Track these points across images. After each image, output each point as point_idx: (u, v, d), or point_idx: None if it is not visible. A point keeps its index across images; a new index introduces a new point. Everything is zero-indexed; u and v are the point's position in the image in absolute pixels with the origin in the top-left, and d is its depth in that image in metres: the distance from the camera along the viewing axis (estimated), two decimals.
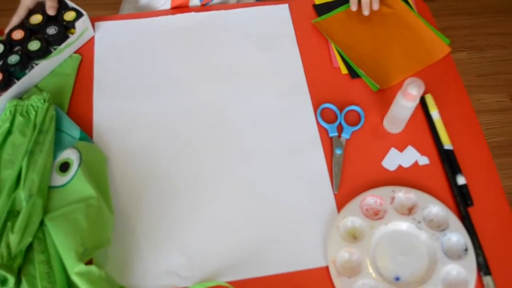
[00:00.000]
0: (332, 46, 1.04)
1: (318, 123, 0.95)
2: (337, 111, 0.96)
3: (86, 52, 1.03)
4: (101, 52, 1.04)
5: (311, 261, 0.82)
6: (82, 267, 0.72)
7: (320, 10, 1.10)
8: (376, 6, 1.05)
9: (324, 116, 0.96)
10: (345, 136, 0.93)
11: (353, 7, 1.07)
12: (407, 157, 0.91)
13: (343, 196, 0.87)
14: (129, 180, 0.89)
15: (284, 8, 1.10)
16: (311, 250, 0.82)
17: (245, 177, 0.89)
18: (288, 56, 1.04)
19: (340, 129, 0.94)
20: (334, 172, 0.89)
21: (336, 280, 0.78)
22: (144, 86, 0.99)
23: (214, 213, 0.86)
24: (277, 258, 0.82)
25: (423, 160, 0.91)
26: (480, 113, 1.95)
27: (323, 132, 0.94)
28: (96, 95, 0.98)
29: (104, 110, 0.96)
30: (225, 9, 1.11)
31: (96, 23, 1.07)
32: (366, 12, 1.06)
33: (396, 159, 0.91)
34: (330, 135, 0.93)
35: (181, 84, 1.00)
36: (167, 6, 1.13)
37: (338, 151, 0.91)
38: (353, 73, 1.00)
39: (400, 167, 0.90)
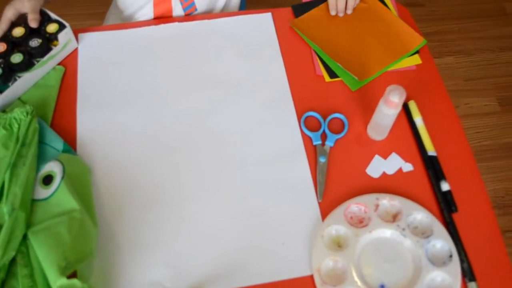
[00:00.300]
0: (315, 55, 1.04)
1: (302, 131, 0.95)
2: (321, 119, 0.96)
3: (69, 64, 1.03)
4: (85, 63, 1.03)
5: (296, 270, 0.81)
6: (64, 280, 0.71)
7: (298, 11, 1.12)
8: (350, 12, 1.10)
9: (308, 125, 0.96)
10: (329, 144, 0.93)
11: (332, 12, 1.10)
12: (391, 164, 0.91)
13: (328, 204, 0.87)
14: (114, 191, 0.89)
15: (267, 17, 1.11)
16: (296, 259, 0.82)
17: (229, 187, 0.89)
18: (271, 64, 1.04)
19: (324, 137, 0.94)
20: (318, 180, 0.89)
21: None
22: (128, 96, 0.99)
23: (199, 223, 0.86)
24: (262, 267, 0.82)
25: (407, 167, 0.91)
26: (468, 117, 1.96)
27: (307, 140, 0.94)
28: (79, 106, 0.98)
29: (88, 121, 0.96)
30: (208, 18, 1.11)
31: (80, 35, 1.07)
32: (340, 14, 1.10)
33: (380, 166, 0.91)
34: (314, 143, 0.93)
35: (166, 94, 1.00)
36: (150, 15, 1.13)
37: (322, 159, 0.91)
38: (331, 73, 1.02)
39: (384, 174, 0.90)
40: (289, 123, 0.96)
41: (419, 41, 1.07)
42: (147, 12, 1.14)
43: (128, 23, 1.11)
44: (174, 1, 1.12)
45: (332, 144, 0.93)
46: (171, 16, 1.13)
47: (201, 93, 1.00)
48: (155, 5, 1.12)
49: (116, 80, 1.01)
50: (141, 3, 1.13)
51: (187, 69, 1.03)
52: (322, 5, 1.12)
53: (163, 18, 1.12)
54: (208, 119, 0.97)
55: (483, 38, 2.19)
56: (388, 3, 1.13)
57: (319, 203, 0.87)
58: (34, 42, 0.97)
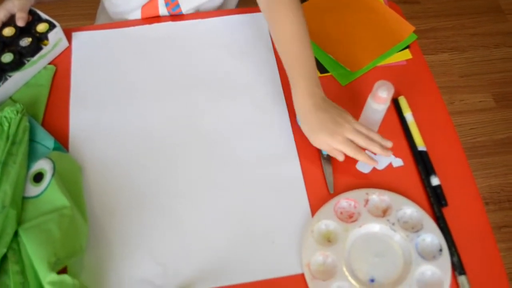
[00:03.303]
0: None
1: (293, 130, 0.95)
2: None
3: (62, 63, 1.04)
4: (78, 62, 1.04)
5: (287, 267, 0.82)
6: (54, 276, 0.72)
7: None
8: None
9: None
10: None
11: None
12: (381, 160, 0.91)
13: (317, 200, 0.87)
14: (105, 189, 0.89)
15: (261, 16, 1.11)
16: (286, 257, 0.82)
17: (220, 185, 0.89)
18: (264, 64, 1.04)
19: None
20: (325, 173, 0.90)
21: (310, 284, 0.78)
22: (121, 96, 0.99)
23: (189, 221, 0.86)
24: (252, 265, 0.82)
25: (397, 162, 0.91)
26: (463, 113, 1.97)
27: (299, 138, 0.94)
28: (72, 105, 0.98)
29: (81, 120, 0.96)
30: (202, 18, 1.11)
31: (73, 33, 1.08)
32: None
33: None
34: None
35: (158, 93, 1.00)
36: (138, 17, 1.13)
37: (324, 153, 0.91)
38: (321, 69, 1.02)
39: (374, 169, 0.91)
40: (281, 122, 0.96)
41: (410, 30, 1.07)
42: (135, 15, 1.13)
43: (121, 22, 1.12)
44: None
45: None
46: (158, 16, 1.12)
47: (193, 93, 1.00)
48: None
49: (109, 79, 1.02)
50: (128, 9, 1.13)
51: (180, 68, 1.03)
52: None
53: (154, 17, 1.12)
54: (200, 119, 0.97)
55: (478, 34, 2.19)
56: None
57: (308, 199, 0.87)
58: (24, 42, 0.98)
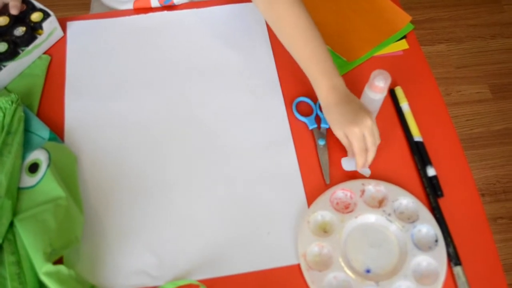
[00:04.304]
0: None
1: (289, 119, 0.95)
2: (312, 103, 0.96)
3: (57, 52, 1.03)
4: (73, 52, 1.03)
5: (283, 258, 0.82)
6: (50, 267, 0.72)
7: None
8: None
9: (300, 110, 0.96)
10: (324, 126, 0.93)
11: None
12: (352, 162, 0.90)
13: (314, 190, 0.87)
14: (101, 179, 0.89)
15: (254, 6, 1.10)
16: (282, 247, 0.82)
17: (216, 175, 0.89)
18: (260, 53, 1.04)
19: (318, 120, 0.94)
20: (322, 163, 0.89)
21: (306, 274, 0.78)
22: (116, 85, 0.99)
23: (185, 212, 0.86)
24: (248, 256, 0.82)
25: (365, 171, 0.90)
26: (460, 104, 1.97)
27: (296, 127, 0.93)
28: (67, 95, 0.97)
29: (76, 110, 0.96)
30: (198, 7, 1.10)
31: (68, 23, 1.07)
32: None
33: None
34: (310, 127, 0.93)
35: (154, 83, 0.99)
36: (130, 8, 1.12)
37: (321, 142, 0.91)
38: None
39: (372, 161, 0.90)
40: (277, 111, 0.96)
41: (406, 20, 1.07)
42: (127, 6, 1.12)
43: (116, 11, 1.11)
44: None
45: (327, 126, 0.92)
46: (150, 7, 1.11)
47: (189, 82, 1.00)
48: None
49: (104, 68, 1.01)
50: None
51: (176, 58, 1.03)
52: None
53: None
54: (196, 108, 0.96)
55: (475, 25, 2.19)
56: None
57: (304, 189, 0.87)
58: (19, 31, 0.97)
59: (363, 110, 0.84)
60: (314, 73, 0.88)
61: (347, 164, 0.90)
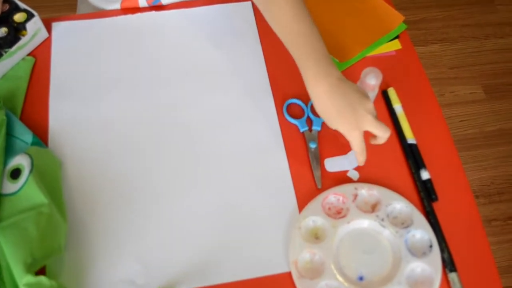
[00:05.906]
0: None
1: (280, 121, 0.93)
2: (303, 105, 0.94)
3: (42, 54, 1.00)
4: (58, 53, 1.01)
5: (273, 266, 0.79)
6: (30, 278, 0.69)
7: None
8: None
9: (291, 112, 0.94)
10: (316, 128, 0.91)
11: None
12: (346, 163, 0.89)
13: (305, 195, 0.85)
14: (86, 185, 0.86)
15: (247, 6, 1.08)
16: (272, 255, 0.80)
17: (203, 181, 0.87)
18: (250, 54, 1.02)
19: (309, 122, 0.92)
20: (313, 167, 0.87)
21: (298, 282, 0.76)
22: (103, 88, 0.97)
23: (172, 218, 0.83)
24: (237, 264, 0.80)
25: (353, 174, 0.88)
26: (454, 105, 1.96)
27: (286, 130, 0.91)
28: (52, 98, 0.95)
29: (61, 113, 0.93)
30: (186, 7, 1.08)
31: (53, 24, 1.05)
32: None
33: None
34: (301, 130, 0.91)
35: (141, 85, 0.97)
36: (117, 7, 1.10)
37: (312, 145, 0.89)
38: None
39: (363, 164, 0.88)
40: (267, 114, 0.94)
41: (399, 19, 1.05)
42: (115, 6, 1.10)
43: (103, 12, 1.08)
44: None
45: (319, 128, 0.91)
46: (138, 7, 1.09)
47: (177, 84, 0.97)
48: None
49: (90, 70, 0.99)
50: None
51: (164, 59, 1.01)
52: None
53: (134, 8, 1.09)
54: (183, 111, 0.94)
55: (468, 25, 2.19)
56: None
57: (296, 195, 0.85)
58: (1, 32, 0.94)
59: (361, 103, 0.78)
60: (301, 56, 0.81)
61: (330, 165, 0.88)
